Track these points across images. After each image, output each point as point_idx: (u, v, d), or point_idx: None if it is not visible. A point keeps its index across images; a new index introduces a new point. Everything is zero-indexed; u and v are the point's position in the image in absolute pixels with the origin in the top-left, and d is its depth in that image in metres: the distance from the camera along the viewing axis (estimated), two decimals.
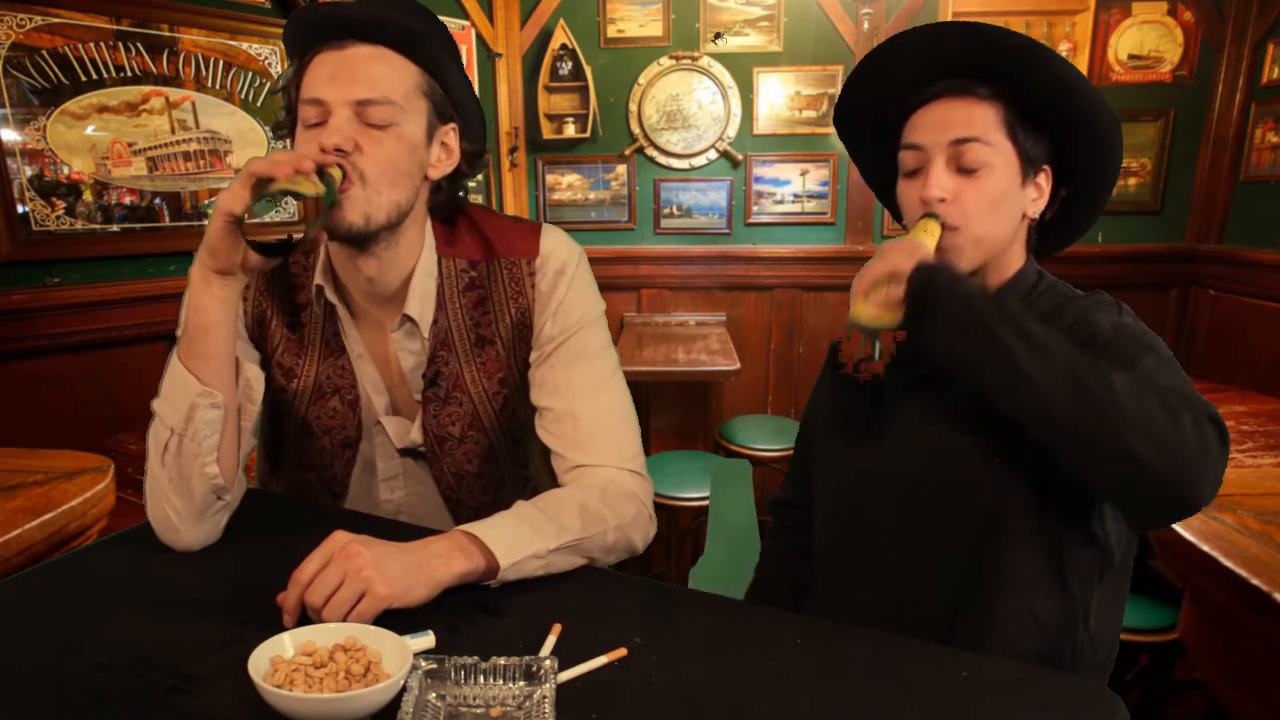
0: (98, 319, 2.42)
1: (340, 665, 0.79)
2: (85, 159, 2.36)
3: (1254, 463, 2.07)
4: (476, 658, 0.80)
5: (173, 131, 2.54)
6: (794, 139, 3.71)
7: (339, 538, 0.93)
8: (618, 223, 3.86)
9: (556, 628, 0.90)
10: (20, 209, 2.25)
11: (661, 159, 3.78)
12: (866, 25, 3.54)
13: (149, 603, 0.98)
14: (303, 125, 1.10)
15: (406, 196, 1.13)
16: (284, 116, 1.16)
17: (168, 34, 2.50)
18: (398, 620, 0.88)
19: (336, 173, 1.04)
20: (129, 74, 2.42)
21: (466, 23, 3.52)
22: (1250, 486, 1.50)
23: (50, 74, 2.26)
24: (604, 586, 1.05)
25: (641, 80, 3.69)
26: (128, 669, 0.84)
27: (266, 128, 2.78)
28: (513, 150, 3.74)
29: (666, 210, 3.84)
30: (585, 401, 1.19)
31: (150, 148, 2.49)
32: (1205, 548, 1.24)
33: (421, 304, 1.20)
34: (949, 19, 3.46)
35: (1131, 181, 3.66)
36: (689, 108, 3.71)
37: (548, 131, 3.71)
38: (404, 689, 0.77)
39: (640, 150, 3.78)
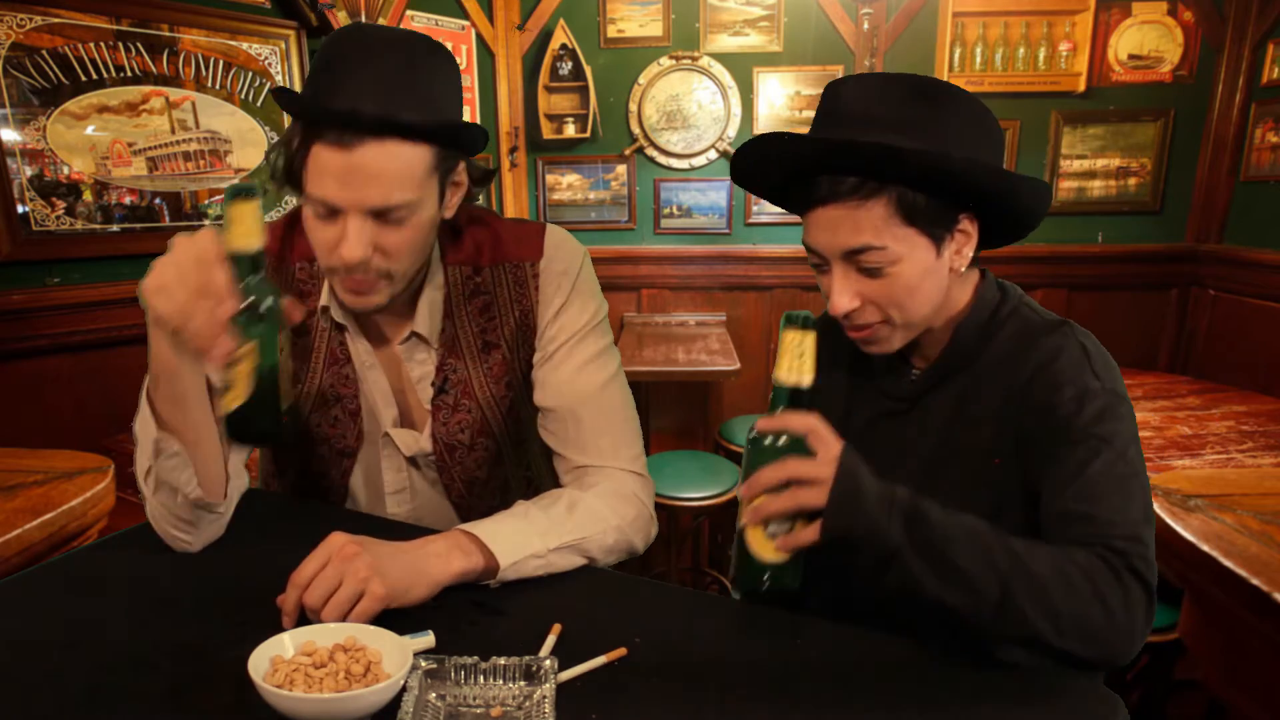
0: (98, 319, 2.42)
1: (340, 665, 0.79)
2: (85, 159, 2.36)
3: (1254, 463, 2.07)
4: (476, 658, 0.80)
5: (173, 131, 2.54)
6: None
7: (337, 538, 0.93)
8: (618, 223, 3.86)
9: (556, 628, 0.90)
10: (20, 209, 2.25)
11: (661, 159, 3.78)
12: (866, 25, 3.54)
13: (149, 603, 0.98)
14: (312, 215, 1.04)
15: (425, 256, 1.13)
16: (281, 168, 1.05)
17: (168, 34, 2.50)
18: (398, 620, 0.88)
19: (244, 367, 0.90)
20: (129, 74, 2.42)
21: (466, 23, 3.52)
22: (1250, 486, 1.50)
23: (50, 74, 2.26)
24: (604, 586, 1.05)
25: (641, 80, 3.69)
26: (128, 669, 0.84)
27: (267, 128, 2.78)
28: (513, 150, 3.74)
29: (666, 210, 3.84)
30: (587, 402, 1.19)
31: (150, 148, 2.49)
32: (1205, 548, 1.24)
33: (430, 318, 1.19)
34: (949, 19, 3.46)
35: (1131, 181, 3.66)
36: (689, 108, 3.71)
37: (548, 131, 3.71)
38: (404, 689, 0.77)
39: (640, 150, 3.78)
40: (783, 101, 3.68)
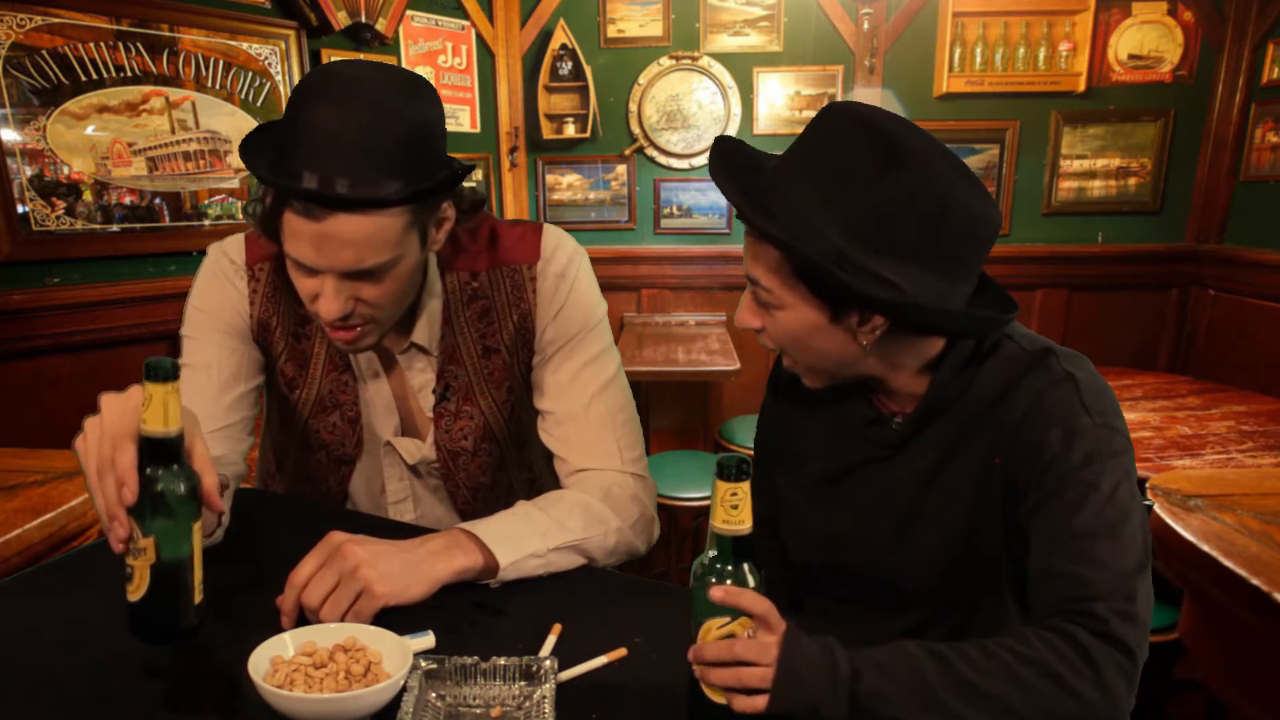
0: (98, 319, 2.42)
1: (340, 665, 0.79)
2: (85, 159, 2.36)
3: (1254, 463, 2.07)
4: (476, 658, 0.80)
5: (173, 131, 2.54)
6: (794, 139, 3.71)
7: (334, 538, 0.93)
8: (618, 223, 3.86)
9: (556, 628, 0.90)
10: (20, 209, 2.25)
11: (661, 159, 3.78)
12: (866, 25, 3.54)
13: None
14: (292, 265, 1.02)
15: (413, 295, 1.13)
16: (259, 222, 1.01)
17: (168, 34, 2.50)
18: (398, 620, 0.88)
19: (141, 561, 0.78)
20: (129, 74, 2.42)
21: (466, 22, 3.52)
22: (1250, 486, 1.50)
23: (50, 74, 2.26)
24: (604, 586, 1.05)
25: (641, 80, 3.69)
26: (128, 669, 0.84)
27: None
28: (513, 150, 3.74)
29: (666, 210, 3.84)
30: (587, 405, 1.18)
31: (150, 148, 2.49)
32: (1205, 548, 1.24)
33: (429, 327, 1.19)
34: (949, 19, 3.46)
35: (1131, 181, 3.66)
36: (689, 108, 3.71)
37: (548, 131, 3.71)
38: (404, 689, 0.77)
39: (640, 150, 3.78)
40: (783, 101, 3.68)
